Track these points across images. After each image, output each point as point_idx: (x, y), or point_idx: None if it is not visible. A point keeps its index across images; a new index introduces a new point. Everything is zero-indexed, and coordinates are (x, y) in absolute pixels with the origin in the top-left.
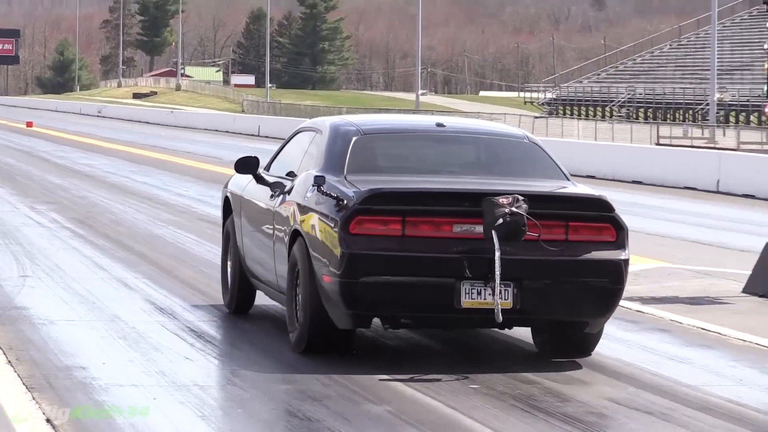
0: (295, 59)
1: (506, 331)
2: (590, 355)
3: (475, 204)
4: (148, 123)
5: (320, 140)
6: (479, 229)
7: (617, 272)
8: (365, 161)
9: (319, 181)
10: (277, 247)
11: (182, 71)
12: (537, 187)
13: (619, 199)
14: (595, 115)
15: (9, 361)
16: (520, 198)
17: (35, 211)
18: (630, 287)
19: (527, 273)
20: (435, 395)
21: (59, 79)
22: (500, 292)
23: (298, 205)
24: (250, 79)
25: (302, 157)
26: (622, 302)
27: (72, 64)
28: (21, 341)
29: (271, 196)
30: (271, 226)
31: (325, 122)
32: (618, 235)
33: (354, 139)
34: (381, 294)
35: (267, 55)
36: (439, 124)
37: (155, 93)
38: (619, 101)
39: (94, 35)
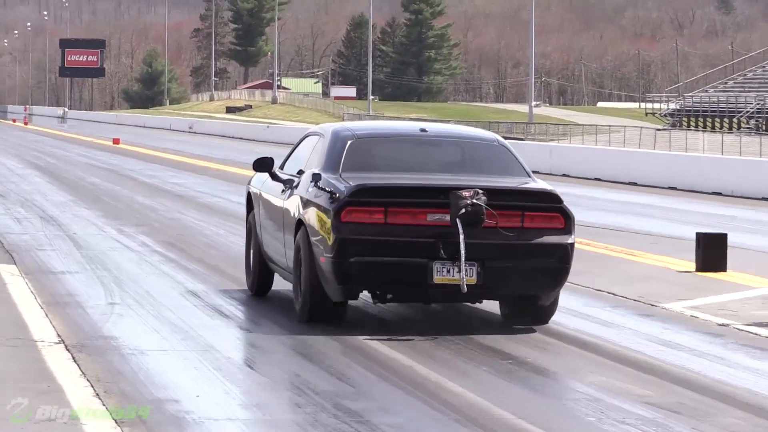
0: (399, 69)
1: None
2: (547, 323)
3: (445, 197)
4: (242, 139)
5: (323, 143)
6: (448, 217)
7: (565, 253)
8: (358, 161)
9: (316, 178)
10: (286, 236)
11: (279, 83)
12: (499, 182)
13: (747, 216)
14: (721, 127)
15: (97, 394)
16: (480, 191)
17: (123, 234)
18: (759, 312)
19: (488, 254)
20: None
21: (147, 93)
22: (465, 270)
23: (301, 198)
24: (351, 91)
25: (309, 157)
26: (752, 329)
27: (161, 76)
28: (110, 373)
29: (282, 191)
30: (282, 218)
31: (328, 128)
32: (566, 222)
33: (349, 142)
34: (367, 272)
35: (369, 65)
36: (422, 130)
37: (250, 107)
38: (747, 112)
39: (185, 45)
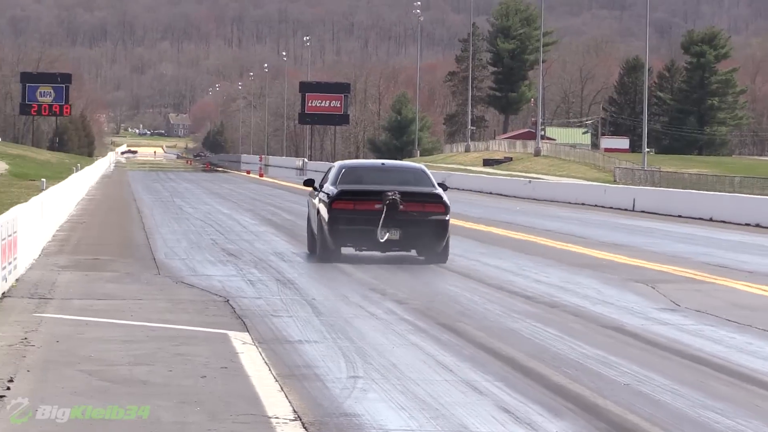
0: (678, 118)
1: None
2: (445, 262)
3: (380, 195)
4: (501, 195)
5: (334, 170)
6: (380, 206)
7: (444, 224)
8: (347, 179)
9: (321, 187)
10: (315, 218)
11: (542, 133)
12: (412, 189)
13: None
14: None
15: None
16: (396, 192)
17: (368, 300)
18: None
19: (405, 224)
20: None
21: (395, 143)
22: (390, 232)
23: (319, 198)
24: (623, 143)
25: (328, 177)
26: None
27: (411, 124)
28: None
29: (315, 196)
30: (313, 210)
31: (338, 162)
32: (445, 208)
33: (344, 169)
34: (346, 234)
35: (644, 114)
36: (383, 164)
37: (510, 159)
38: None
39: (438, 90)
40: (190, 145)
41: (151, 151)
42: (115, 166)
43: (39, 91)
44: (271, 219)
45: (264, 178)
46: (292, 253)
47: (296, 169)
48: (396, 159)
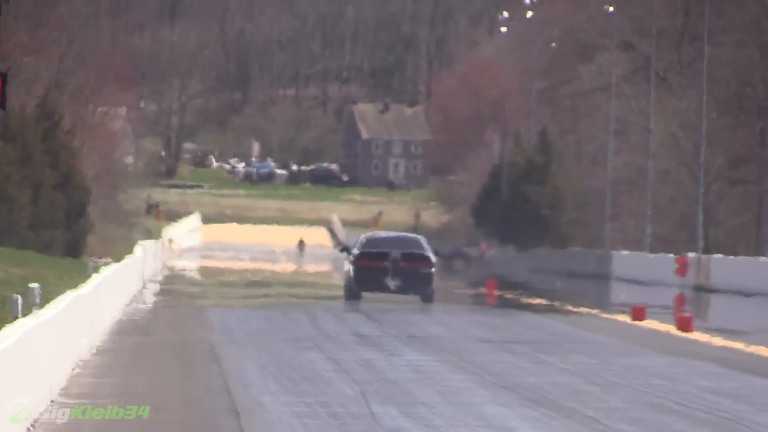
0: None
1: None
2: (432, 302)
3: (387, 255)
4: None
5: (360, 240)
6: (387, 263)
7: (430, 275)
8: (368, 244)
9: (349, 251)
10: (346, 274)
11: None
12: (409, 251)
13: None
14: None
15: None
16: (398, 253)
17: None
18: None
19: (403, 275)
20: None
21: None
22: (394, 280)
23: (349, 259)
24: None
25: (357, 244)
26: None
27: None
28: None
29: (347, 258)
30: (346, 267)
31: (364, 235)
32: (431, 264)
33: (365, 239)
34: (365, 282)
35: None
36: (395, 234)
37: None
38: None
39: None
40: (431, 216)
41: (292, 237)
42: (161, 289)
43: None
44: None
45: (711, 341)
46: None
47: None
48: None
